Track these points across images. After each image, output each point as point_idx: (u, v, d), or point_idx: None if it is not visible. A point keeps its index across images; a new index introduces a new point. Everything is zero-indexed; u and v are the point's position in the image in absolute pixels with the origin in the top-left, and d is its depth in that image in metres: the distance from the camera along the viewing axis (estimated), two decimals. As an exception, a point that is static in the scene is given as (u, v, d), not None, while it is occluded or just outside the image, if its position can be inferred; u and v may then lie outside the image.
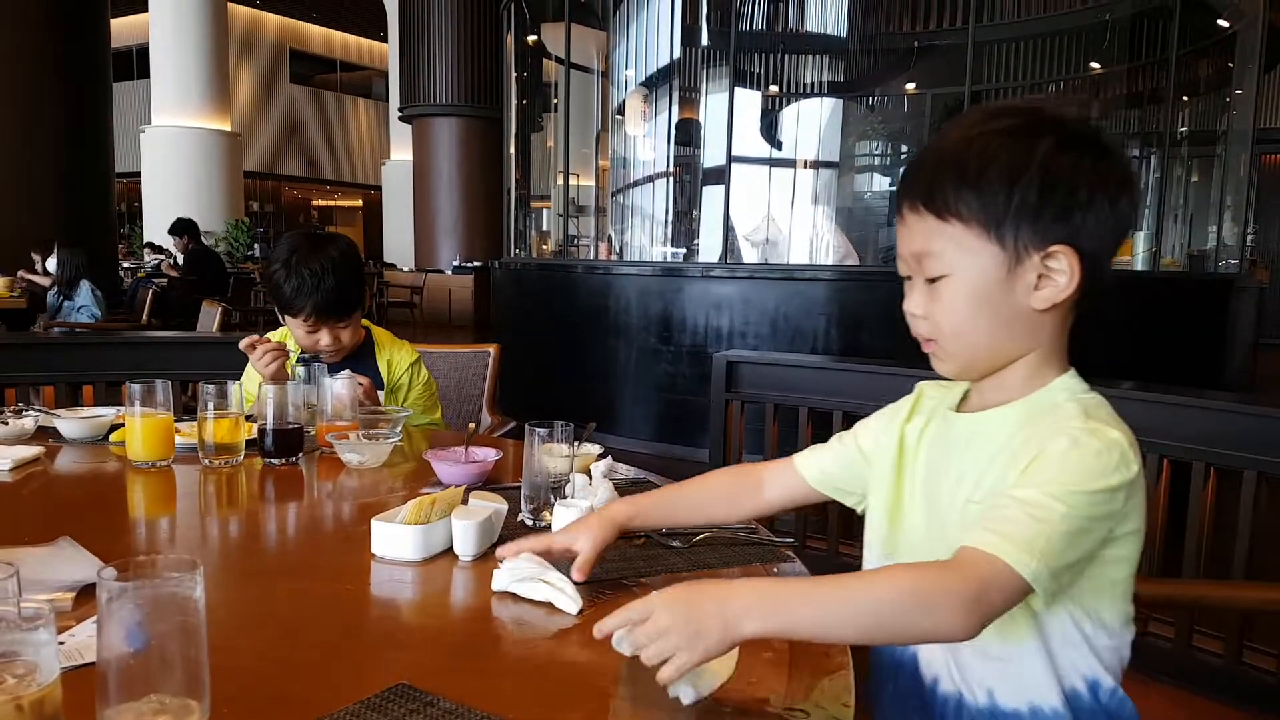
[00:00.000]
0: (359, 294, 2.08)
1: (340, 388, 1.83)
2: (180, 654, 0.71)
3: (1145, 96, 7.83)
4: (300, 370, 1.92)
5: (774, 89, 8.65)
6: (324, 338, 2.04)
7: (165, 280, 8.87)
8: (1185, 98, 7.38)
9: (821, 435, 2.81)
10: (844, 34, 8.34)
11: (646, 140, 7.80)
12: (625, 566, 1.15)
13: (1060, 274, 0.88)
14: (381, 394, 2.09)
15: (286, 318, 2.06)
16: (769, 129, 8.68)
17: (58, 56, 7.81)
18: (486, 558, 1.18)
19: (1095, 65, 8.08)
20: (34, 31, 7.66)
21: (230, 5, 15.94)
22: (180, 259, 8.91)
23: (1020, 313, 0.91)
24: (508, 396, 5.82)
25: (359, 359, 2.14)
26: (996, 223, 0.88)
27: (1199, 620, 2.51)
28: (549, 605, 1.02)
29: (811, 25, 8.47)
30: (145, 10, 14.65)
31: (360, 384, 1.89)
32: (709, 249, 6.53)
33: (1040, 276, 0.89)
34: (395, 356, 2.18)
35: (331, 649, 0.94)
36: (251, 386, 2.00)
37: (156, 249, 10.64)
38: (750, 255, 6.79)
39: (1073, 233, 0.88)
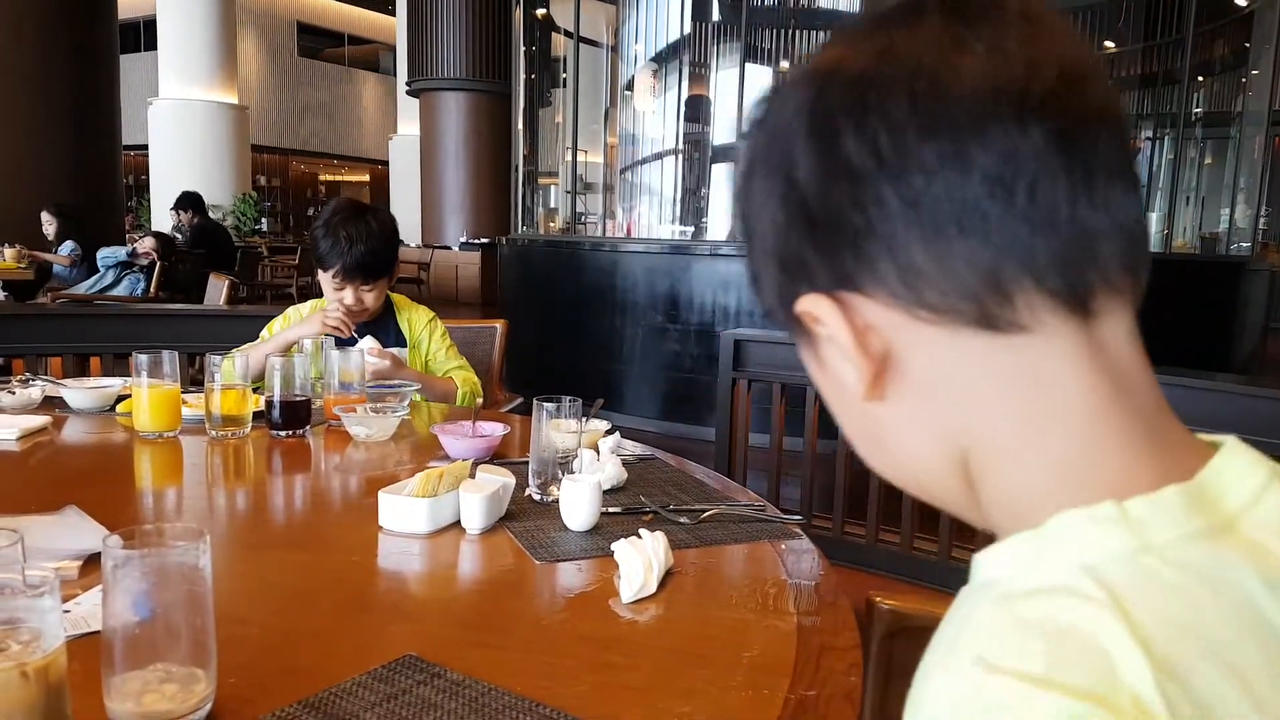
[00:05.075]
0: (387, 263, 2.22)
1: (367, 347, 2.00)
2: (186, 623, 0.71)
3: (1160, 77, 7.75)
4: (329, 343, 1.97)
5: (786, 65, 8.58)
6: (348, 296, 2.18)
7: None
8: (1200, 78, 7.30)
9: (828, 415, 2.80)
10: (856, 8, 8.25)
11: (656, 117, 7.73)
12: (632, 542, 1.15)
13: (826, 332, 0.46)
14: (406, 351, 2.26)
15: (319, 272, 2.22)
16: (779, 106, 8.61)
17: (65, 28, 7.77)
18: (494, 530, 1.18)
19: (1110, 44, 7.99)
20: (41, 3, 7.62)
21: (237, -23, 15.84)
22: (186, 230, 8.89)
23: (868, 413, 0.48)
24: (515, 373, 5.82)
25: (381, 321, 2.28)
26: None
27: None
28: (556, 579, 1.03)
29: (824, 0, 8.38)
30: (152, -18, 14.59)
31: (384, 356, 2.05)
32: (717, 227, 6.49)
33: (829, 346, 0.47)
34: (413, 316, 2.36)
35: (339, 620, 0.94)
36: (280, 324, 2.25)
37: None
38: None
39: (805, 273, 0.47)
